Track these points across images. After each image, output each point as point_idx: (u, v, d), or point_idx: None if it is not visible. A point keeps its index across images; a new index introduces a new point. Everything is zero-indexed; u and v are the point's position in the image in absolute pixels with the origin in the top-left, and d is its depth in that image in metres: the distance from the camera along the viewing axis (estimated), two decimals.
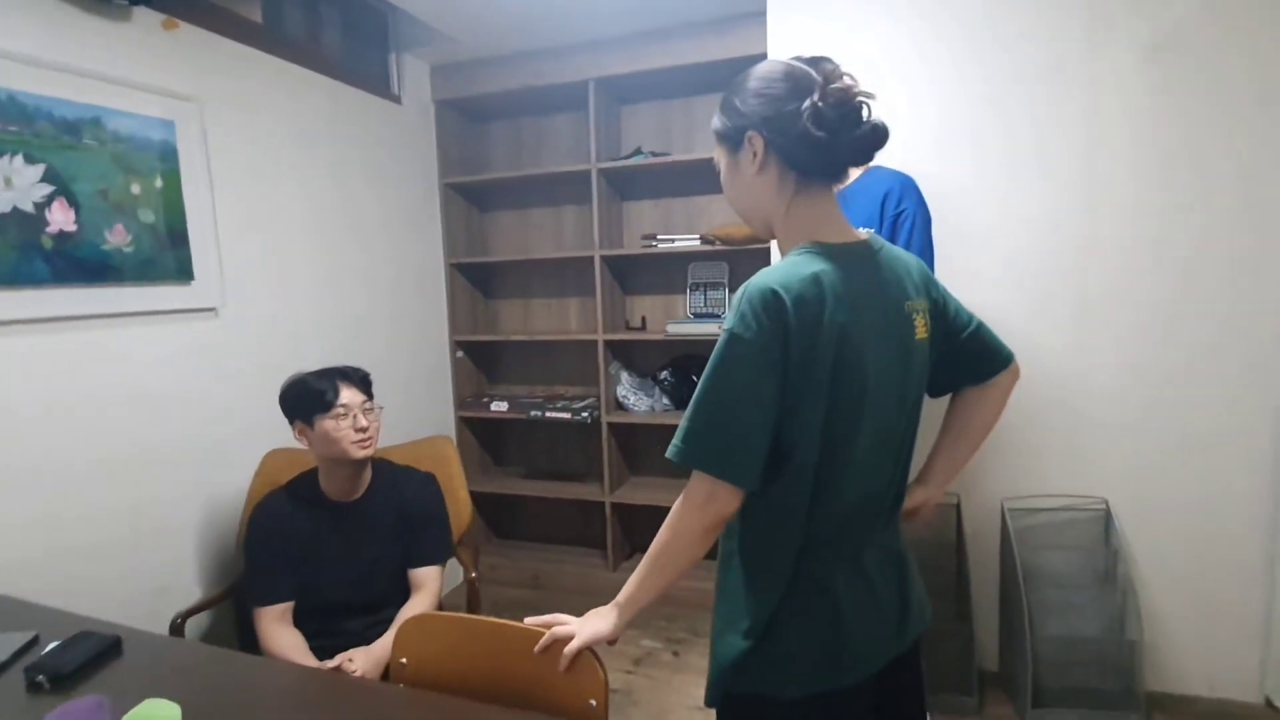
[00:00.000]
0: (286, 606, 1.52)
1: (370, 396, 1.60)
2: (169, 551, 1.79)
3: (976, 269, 1.99)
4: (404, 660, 1.13)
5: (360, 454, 1.53)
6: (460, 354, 3.04)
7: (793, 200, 0.88)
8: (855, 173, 1.01)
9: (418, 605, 1.56)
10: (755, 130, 0.86)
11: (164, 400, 1.76)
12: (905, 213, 1.66)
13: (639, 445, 3.03)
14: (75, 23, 1.58)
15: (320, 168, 2.27)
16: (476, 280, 3.13)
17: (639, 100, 2.86)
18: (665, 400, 2.81)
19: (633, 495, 2.82)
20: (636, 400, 2.80)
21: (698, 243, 2.63)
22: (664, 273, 2.91)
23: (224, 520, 1.91)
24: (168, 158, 1.76)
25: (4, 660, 1.07)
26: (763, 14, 2.16)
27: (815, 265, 0.83)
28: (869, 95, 0.84)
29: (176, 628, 1.60)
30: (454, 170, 2.94)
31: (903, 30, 2.01)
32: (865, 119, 0.84)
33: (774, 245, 1.89)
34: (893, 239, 1.63)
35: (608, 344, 2.78)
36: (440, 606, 1.62)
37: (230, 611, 1.81)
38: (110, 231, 1.63)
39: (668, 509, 0.88)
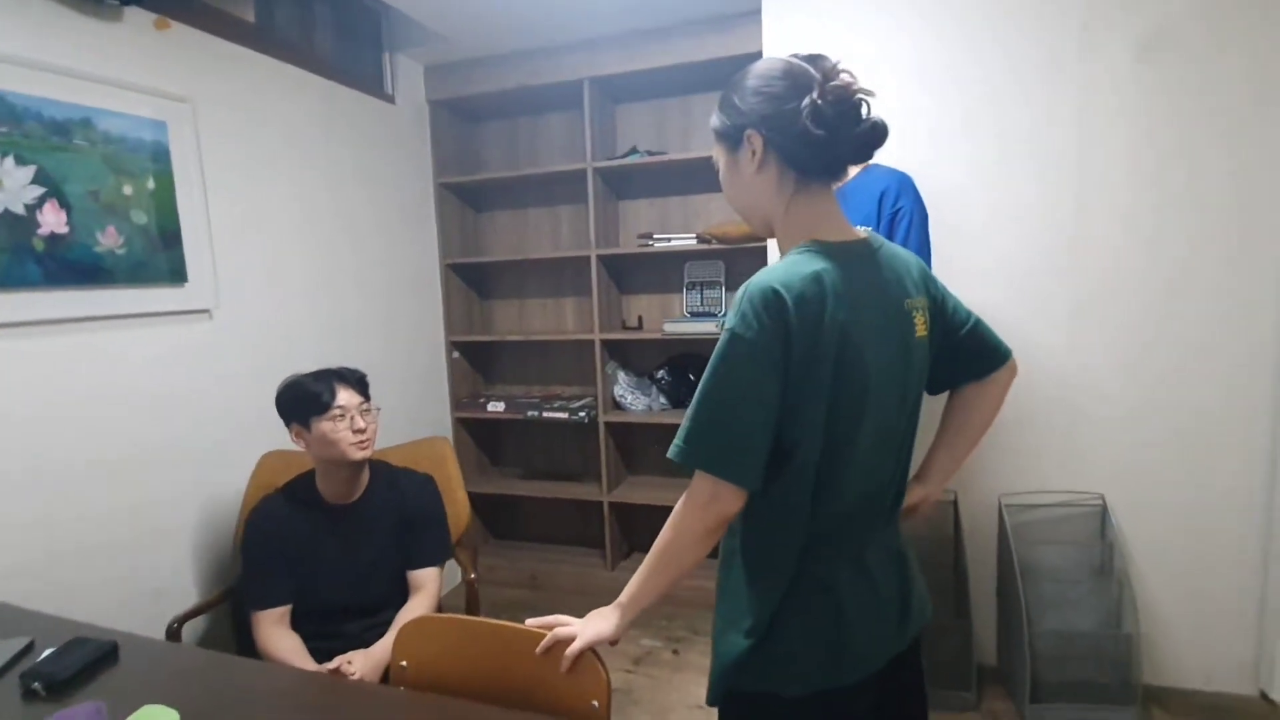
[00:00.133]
0: (284, 609, 1.51)
1: (367, 397, 1.59)
2: (165, 554, 1.78)
3: (972, 267, 2.00)
4: (404, 663, 1.13)
5: (358, 455, 1.52)
6: (456, 354, 3.03)
7: (792, 198, 0.88)
8: (853, 170, 1.01)
9: (417, 607, 1.55)
10: (754, 129, 0.86)
11: (158, 403, 1.75)
12: (902, 210, 1.66)
13: (636, 445, 3.03)
14: (66, 23, 1.56)
15: (314, 168, 2.26)
16: (472, 280, 3.12)
17: (634, 99, 2.86)
18: (662, 399, 2.82)
19: (630, 495, 2.82)
20: (634, 400, 2.80)
21: (694, 241, 2.63)
22: (660, 272, 2.91)
23: (220, 523, 1.90)
24: (160, 159, 1.75)
25: None
26: (758, 12, 2.16)
27: (816, 264, 0.82)
28: (868, 93, 0.84)
29: (173, 632, 1.58)
30: (449, 170, 2.93)
31: (899, 28, 2.01)
32: (864, 116, 0.84)
33: (772, 243, 1.90)
34: (890, 237, 1.63)
35: (604, 343, 2.78)
36: (439, 608, 1.61)
37: (227, 615, 1.79)
38: (102, 233, 1.62)
39: (666, 508, 0.88)
